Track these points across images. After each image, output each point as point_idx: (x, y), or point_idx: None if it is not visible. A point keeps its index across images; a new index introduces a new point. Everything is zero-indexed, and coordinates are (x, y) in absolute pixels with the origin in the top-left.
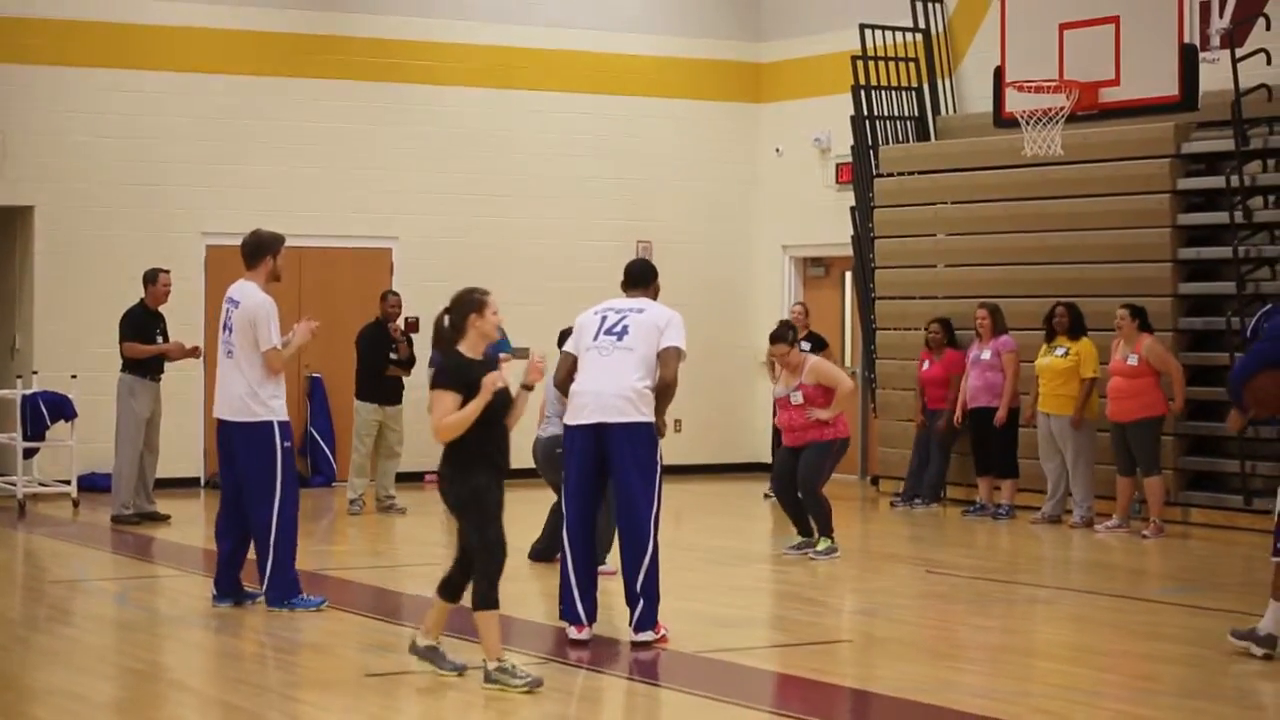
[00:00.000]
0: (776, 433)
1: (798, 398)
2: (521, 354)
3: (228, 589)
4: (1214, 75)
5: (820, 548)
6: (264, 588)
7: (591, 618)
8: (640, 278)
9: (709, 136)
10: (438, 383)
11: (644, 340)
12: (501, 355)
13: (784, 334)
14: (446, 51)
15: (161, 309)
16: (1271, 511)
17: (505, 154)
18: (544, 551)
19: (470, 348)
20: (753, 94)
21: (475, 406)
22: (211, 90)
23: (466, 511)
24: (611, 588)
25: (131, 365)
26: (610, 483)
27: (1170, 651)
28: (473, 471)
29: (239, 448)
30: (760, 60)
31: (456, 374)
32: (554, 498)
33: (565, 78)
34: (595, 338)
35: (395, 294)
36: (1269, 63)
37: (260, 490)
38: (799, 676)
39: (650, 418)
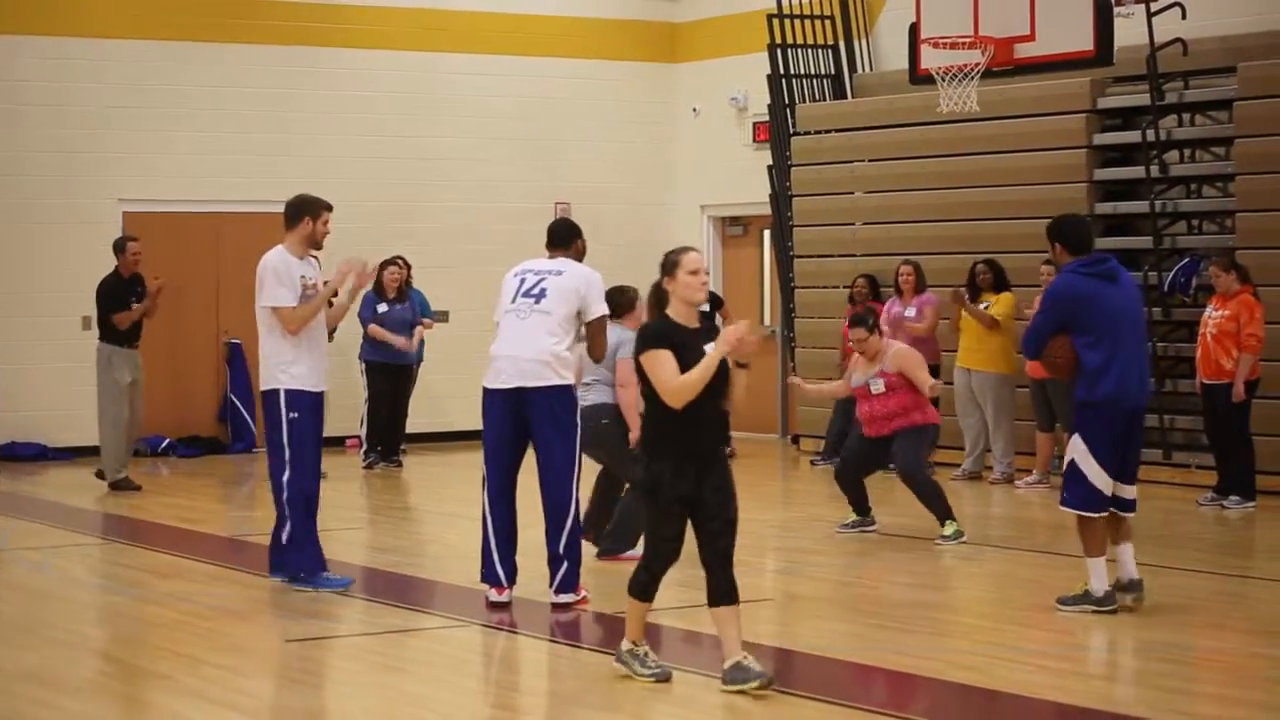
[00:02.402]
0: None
1: (879, 386)
2: (442, 318)
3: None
4: (1129, 30)
5: (947, 532)
6: (284, 561)
7: (511, 580)
8: (561, 237)
9: (626, 97)
10: (642, 344)
11: (562, 303)
12: (424, 320)
13: (864, 318)
14: (362, 15)
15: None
16: (1189, 465)
17: (422, 117)
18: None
19: (675, 312)
20: (669, 54)
21: (711, 361)
22: (128, 56)
23: (643, 498)
24: (533, 549)
25: (108, 335)
26: (533, 446)
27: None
28: (659, 454)
29: (264, 416)
30: (676, 20)
31: (657, 332)
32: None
33: (482, 40)
34: (513, 300)
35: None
36: (1184, 17)
37: (272, 461)
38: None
39: (569, 380)
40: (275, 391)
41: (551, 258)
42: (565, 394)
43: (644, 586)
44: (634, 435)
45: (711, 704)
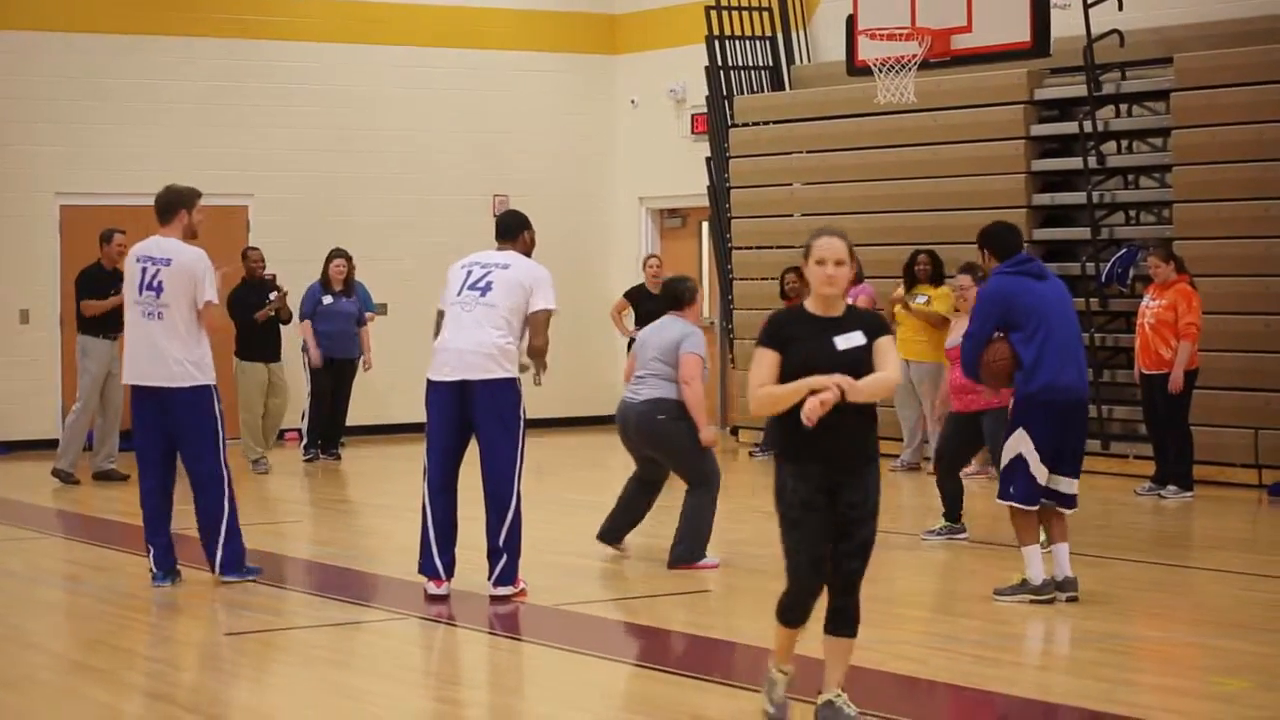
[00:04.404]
0: None
1: None
2: (381, 310)
3: (172, 566)
4: (1066, 21)
5: (937, 527)
6: (219, 558)
7: (449, 572)
8: (509, 229)
9: (564, 89)
10: (758, 336)
11: (507, 296)
12: (367, 314)
13: (973, 269)
14: (299, 7)
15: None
16: (1127, 455)
17: (360, 109)
18: (611, 532)
19: (811, 300)
20: (607, 45)
21: (789, 391)
22: (64, 49)
23: (779, 509)
24: (474, 542)
25: (86, 325)
26: (476, 439)
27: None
28: (784, 456)
29: (182, 415)
30: (614, 11)
31: (769, 326)
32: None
33: (419, 32)
34: (459, 292)
35: (255, 249)
36: (1120, 8)
37: (209, 459)
38: (661, 628)
39: (513, 374)
40: (207, 388)
41: (500, 250)
42: (509, 387)
43: (785, 610)
44: (703, 435)
45: (645, 694)
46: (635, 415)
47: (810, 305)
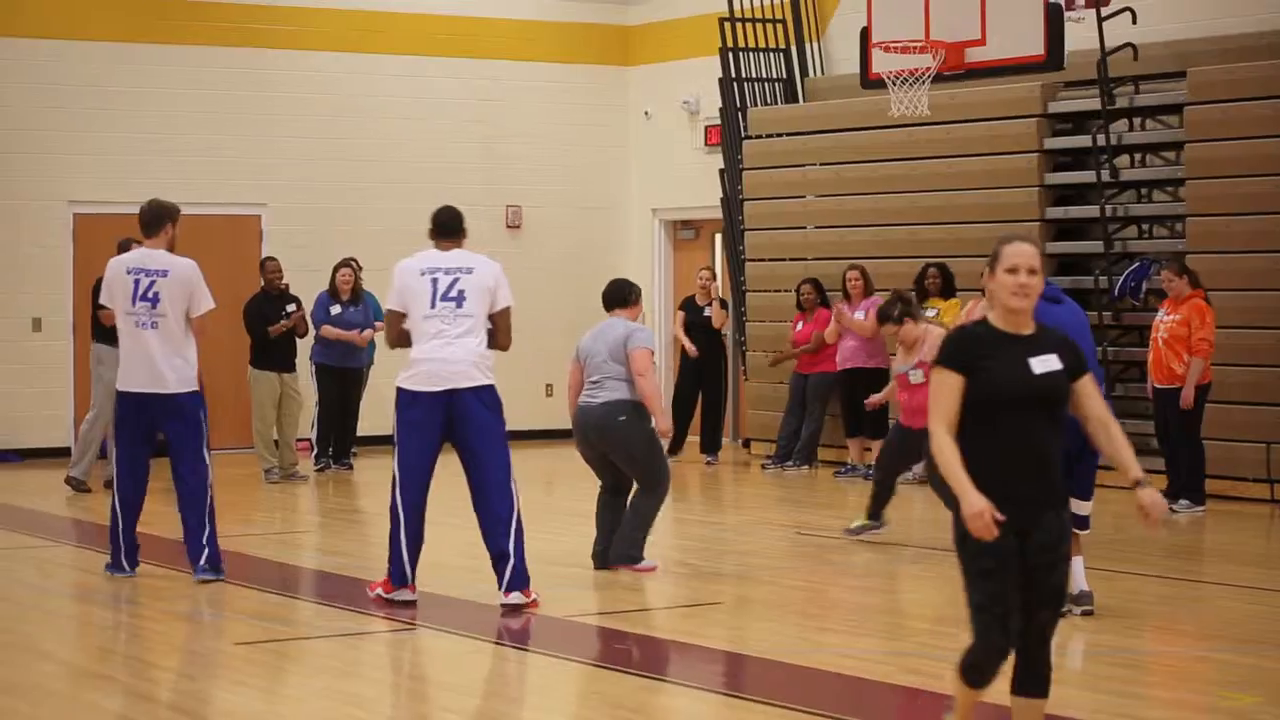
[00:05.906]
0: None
1: (918, 376)
2: None
3: (135, 559)
4: (1079, 34)
5: (855, 525)
6: (204, 557)
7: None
8: (456, 228)
9: (577, 100)
10: (937, 354)
11: (479, 304)
12: (377, 324)
13: (889, 312)
14: (311, 16)
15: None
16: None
17: (372, 119)
18: (605, 554)
19: (998, 316)
20: (620, 57)
21: (957, 484)
22: (75, 57)
23: (959, 559)
24: (473, 550)
25: (101, 333)
26: (462, 447)
27: None
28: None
29: (179, 420)
30: (628, 23)
31: (953, 344)
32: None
33: (432, 42)
34: (432, 305)
35: (274, 259)
36: (1134, 21)
37: (199, 464)
38: (670, 639)
39: (493, 380)
40: (200, 394)
41: (446, 249)
42: (494, 392)
43: (969, 669)
44: (660, 424)
45: (654, 706)
46: (595, 418)
47: (996, 320)
